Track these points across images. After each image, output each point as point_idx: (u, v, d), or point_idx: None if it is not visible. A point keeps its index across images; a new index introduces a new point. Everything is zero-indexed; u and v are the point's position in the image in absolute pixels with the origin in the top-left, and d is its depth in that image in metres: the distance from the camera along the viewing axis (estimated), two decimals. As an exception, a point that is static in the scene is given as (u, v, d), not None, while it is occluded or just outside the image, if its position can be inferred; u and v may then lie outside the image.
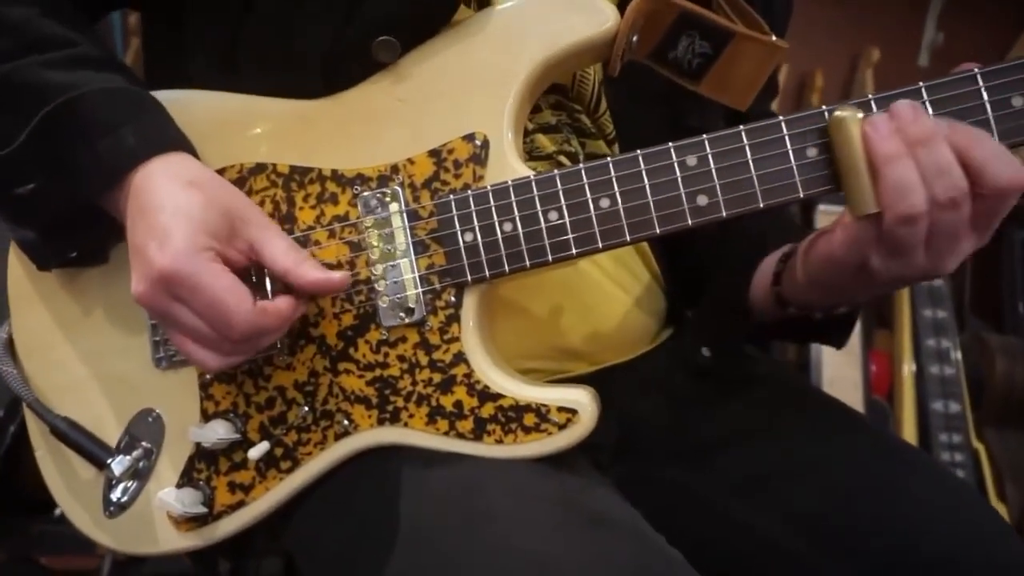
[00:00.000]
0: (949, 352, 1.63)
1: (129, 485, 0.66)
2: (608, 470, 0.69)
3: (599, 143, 0.71)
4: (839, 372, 1.63)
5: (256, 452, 0.62)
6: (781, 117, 0.56)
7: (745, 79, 0.66)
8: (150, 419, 0.67)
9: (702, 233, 0.59)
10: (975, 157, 0.52)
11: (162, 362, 0.66)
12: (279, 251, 0.57)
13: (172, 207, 0.55)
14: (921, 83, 0.54)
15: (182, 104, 0.63)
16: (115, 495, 0.67)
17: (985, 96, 0.53)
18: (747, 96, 0.67)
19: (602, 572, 0.49)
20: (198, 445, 0.64)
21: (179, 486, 0.64)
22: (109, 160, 0.57)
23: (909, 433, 1.60)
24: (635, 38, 0.61)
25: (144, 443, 0.66)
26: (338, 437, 0.62)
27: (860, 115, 0.53)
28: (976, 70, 0.54)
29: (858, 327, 1.74)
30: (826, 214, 1.65)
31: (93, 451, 0.66)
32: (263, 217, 0.59)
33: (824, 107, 0.55)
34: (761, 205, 0.56)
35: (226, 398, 0.64)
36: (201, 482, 0.64)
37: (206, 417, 0.64)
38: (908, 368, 1.64)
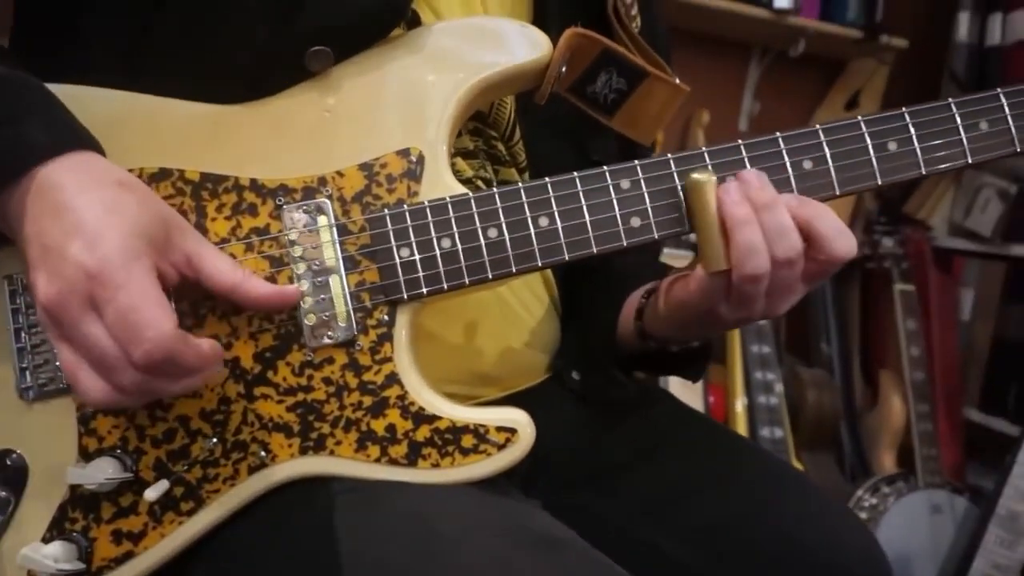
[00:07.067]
0: (773, 384, 1.81)
1: (-22, 543, 0.55)
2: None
3: (511, 171, 0.72)
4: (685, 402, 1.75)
5: (154, 492, 0.54)
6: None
7: (652, 116, 0.71)
8: (8, 462, 0.56)
9: (588, 265, 0.61)
10: (818, 229, 0.59)
11: (29, 392, 0.56)
12: (225, 266, 0.52)
13: (101, 206, 0.48)
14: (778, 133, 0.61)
15: (75, 100, 0.55)
16: (-43, 557, 0.55)
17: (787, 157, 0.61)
18: (653, 132, 0.72)
19: None
20: (72, 490, 0.55)
21: (46, 540, 0.55)
22: (11, 153, 0.49)
23: (744, 458, 1.74)
24: (563, 69, 0.64)
25: (0, 491, 0.56)
26: (252, 470, 0.56)
27: (715, 179, 0.58)
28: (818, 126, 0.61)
29: (700, 364, 1.89)
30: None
31: (-70, 504, 0.54)
32: (196, 231, 0.53)
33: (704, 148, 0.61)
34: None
35: (112, 433, 0.56)
36: (75, 533, 0.55)
37: (86, 456, 0.55)
38: (740, 399, 1.80)
